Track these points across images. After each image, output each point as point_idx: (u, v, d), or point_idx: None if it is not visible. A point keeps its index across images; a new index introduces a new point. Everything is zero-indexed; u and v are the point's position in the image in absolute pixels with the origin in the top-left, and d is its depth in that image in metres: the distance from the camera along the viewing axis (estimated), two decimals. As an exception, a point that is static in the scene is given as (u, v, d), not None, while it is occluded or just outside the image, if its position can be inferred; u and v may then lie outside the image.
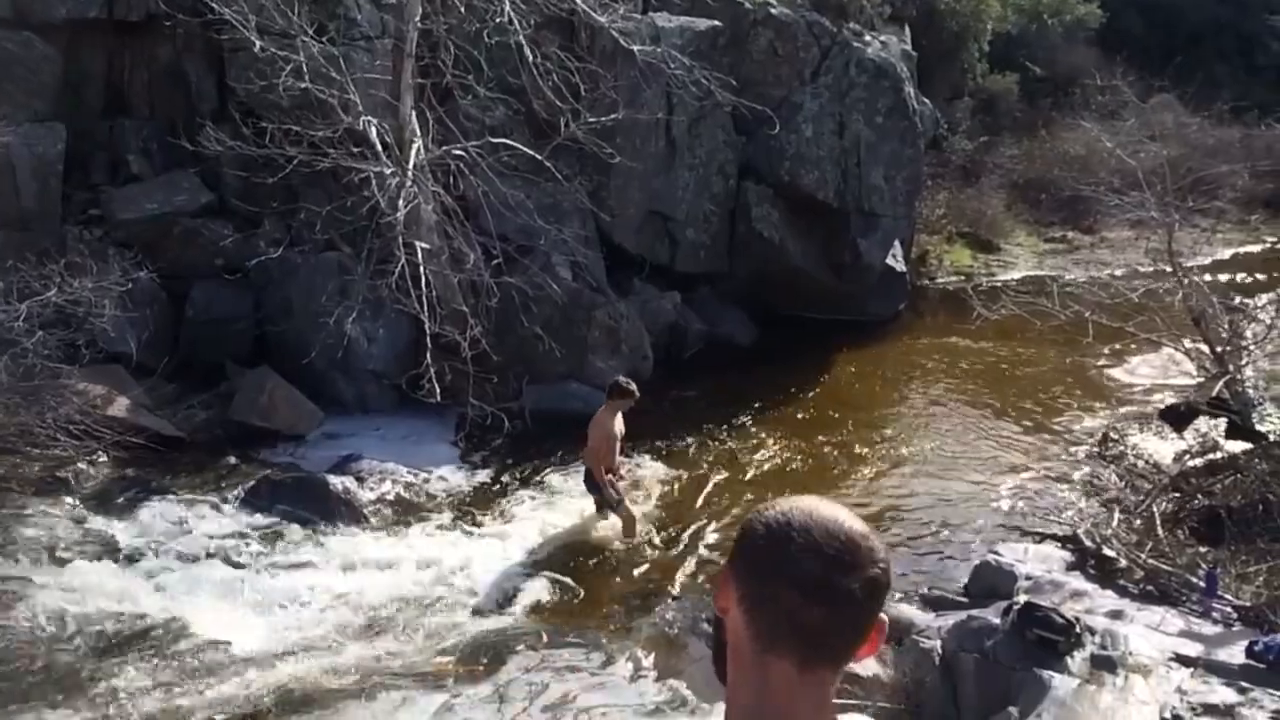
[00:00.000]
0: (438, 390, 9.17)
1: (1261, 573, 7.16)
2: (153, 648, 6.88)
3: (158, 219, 11.28)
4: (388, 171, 9.83)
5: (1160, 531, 7.85)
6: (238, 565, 8.01)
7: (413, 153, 10.07)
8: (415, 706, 6.36)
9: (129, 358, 9.98)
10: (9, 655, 6.70)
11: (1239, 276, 16.42)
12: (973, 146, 20.26)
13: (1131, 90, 14.26)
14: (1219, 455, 9.31)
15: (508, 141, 10.69)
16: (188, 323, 10.98)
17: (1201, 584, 6.90)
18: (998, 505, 9.45)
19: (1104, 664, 5.75)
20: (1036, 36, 22.80)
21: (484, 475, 9.83)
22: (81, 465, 9.07)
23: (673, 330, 13.06)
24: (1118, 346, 12.51)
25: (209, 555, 8.11)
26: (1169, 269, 10.50)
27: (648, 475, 9.77)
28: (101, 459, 9.23)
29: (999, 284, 15.49)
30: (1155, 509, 8.25)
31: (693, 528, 8.88)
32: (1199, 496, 8.38)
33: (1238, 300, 11.42)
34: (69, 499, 8.72)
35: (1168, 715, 5.46)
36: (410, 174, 9.89)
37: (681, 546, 8.62)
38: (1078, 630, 5.85)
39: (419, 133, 10.28)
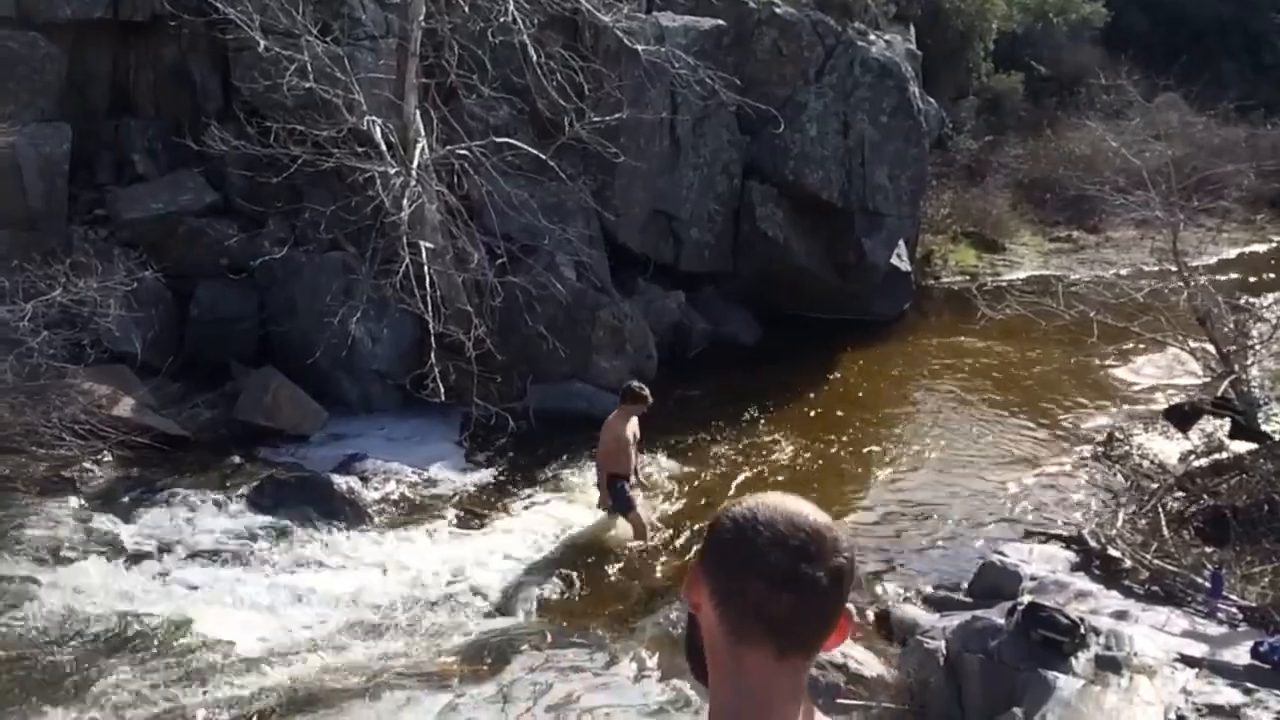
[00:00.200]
0: (442, 390, 9.18)
1: (1267, 573, 7.15)
2: (157, 647, 6.89)
3: (163, 219, 11.29)
4: (392, 171, 9.84)
5: (1165, 532, 7.84)
6: (242, 565, 8.02)
7: (417, 152, 10.07)
8: (420, 706, 6.36)
9: (134, 357, 9.99)
10: (13, 654, 6.71)
11: (1245, 276, 16.39)
12: (977, 146, 20.23)
13: (1136, 89, 14.26)
14: (1224, 455, 9.29)
15: (512, 141, 10.70)
16: (192, 322, 10.99)
17: (1207, 584, 6.89)
18: (1002, 505, 9.44)
19: (1109, 665, 5.75)
20: (1041, 35, 22.77)
21: (488, 475, 9.83)
22: (86, 465, 9.09)
23: (677, 330, 13.05)
24: (1123, 346, 12.50)
25: (213, 555, 8.11)
26: (1174, 268, 10.48)
27: (654, 473, 9.76)
28: (106, 458, 9.25)
29: (1004, 284, 15.45)
30: (1160, 509, 8.23)
31: (696, 527, 8.87)
32: (1204, 497, 8.37)
33: (1243, 300, 11.42)
34: (74, 498, 8.73)
35: (1172, 716, 5.46)
36: (414, 174, 9.90)
37: (686, 546, 8.62)
38: (1082, 631, 5.85)
39: (423, 132, 10.28)
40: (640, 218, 13.31)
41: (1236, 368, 9.62)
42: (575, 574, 8.18)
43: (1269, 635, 6.19)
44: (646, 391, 8.57)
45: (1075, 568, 7.62)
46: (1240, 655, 6.01)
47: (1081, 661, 5.75)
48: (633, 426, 8.59)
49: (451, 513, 9.11)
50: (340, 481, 9.05)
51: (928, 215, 17.09)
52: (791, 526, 1.45)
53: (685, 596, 1.54)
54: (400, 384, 10.47)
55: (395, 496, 9.31)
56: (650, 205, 13.37)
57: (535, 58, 10.38)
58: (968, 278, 16.66)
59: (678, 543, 8.68)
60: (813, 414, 11.64)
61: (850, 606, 1.49)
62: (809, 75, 14.28)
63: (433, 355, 9.23)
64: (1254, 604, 6.71)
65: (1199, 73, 19.80)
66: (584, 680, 6.67)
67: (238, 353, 10.87)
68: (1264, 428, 9.58)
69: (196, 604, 7.43)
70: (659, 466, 9.95)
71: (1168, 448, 10.01)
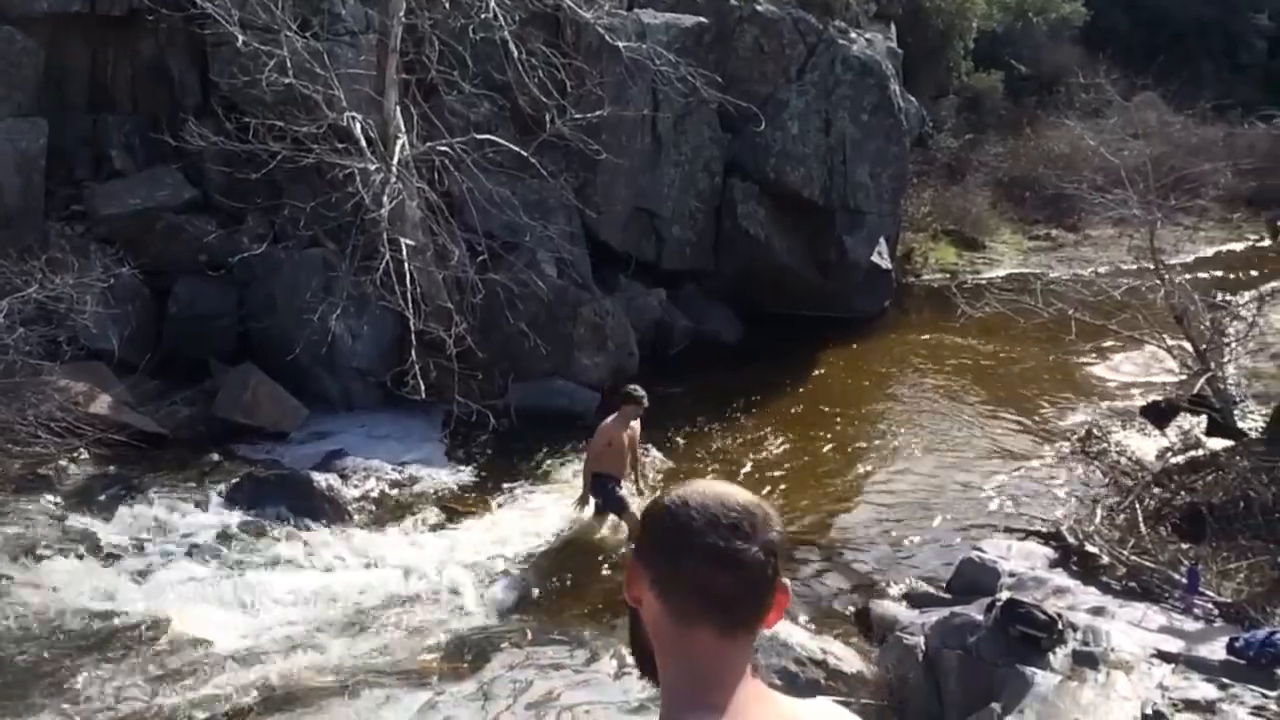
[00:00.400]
0: (422, 387, 9.15)
1: (1242, 569, 7.20)
2: (134, 646, 6.84)
3: (140, 214, 11.21)
4: (372, 167, 9.80)
5: (1143, 528, 7.88)
6: (221, 563, 7.97)
7: (397, 148, 10.03)
8: (399, 704, 6.34)
9: (111, 354, 9.92)
10: (-11, 654, 6.66)
11: (1222, 274, 16.51)
12: (958, 144, 20.32)
13: (1115, 88, 14.34)
14: (1201, 452, 9.35)
15: (493, 138, 10.68)
16: (170, 319, 10.92)
17: (1183, 580, 6.93)
18: (981, 502, 9.48)
19: (1086, 660, 5.78)
20: (1021, 35, 22.89)
21: (469, 472, 9.81)
22: (63, 463, 9.02)
23: (659, 327, 13.06)
24: (1101, 344, 12.57)
25: (191, 553, 8.06)
26: (1152, 267, 10.54)
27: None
28: (83, 456, 9.18)
29: (984, 281, 15.51)
30: (1137, 506, 8.28)
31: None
32: (1181, 493, 8.41)
33: (1220, 298, 11.47)
34: (50, 496, 8.66)
35: (1149, 711, 5.49)
36: (395, 170, 9.86)
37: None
38: (1060, 627, 5.88)
39: (403, 128, 10.25)
40: (622, 215, 13.31)
41: (1213, 365, 9.69)
42: (556, 571, 8.17)
43: (1244, 631, 6.23)
44: (641, 393, 8.49)
45: (1053, 564, 7.65)
46: (1216, 650, 6.05)
47: (1059, 657, 5.78)
48: (631, 430, 8.53)
49: (432, 510, 9.08)
50: (320, 479, 9.00)
51: (908, 213, 17.16)
52: (723, 507, 1.51)
53: (626, 594, 1.59)
54: (381, 381, 10.43)
55: (375, 494, 9.27)
56: (632, 202, 13.37)
57: (516, 54, 10.36)
58: (948, 275, 16.74)
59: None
60: (794, 411, 11.67)
61: (785, 581, 1.54)
62: (790, 73, 14.31)
63: (413, 352, 9.20)
64: (1230, 600, 6.76)
65: (1177, 72, 19.96)
66: (564, 677, 6.67)
67: (216, 349, 10.81)
68: (1240, 425, 9.65)
69: (174, 602, 7.38)
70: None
71: (1145, 445, 10.07)
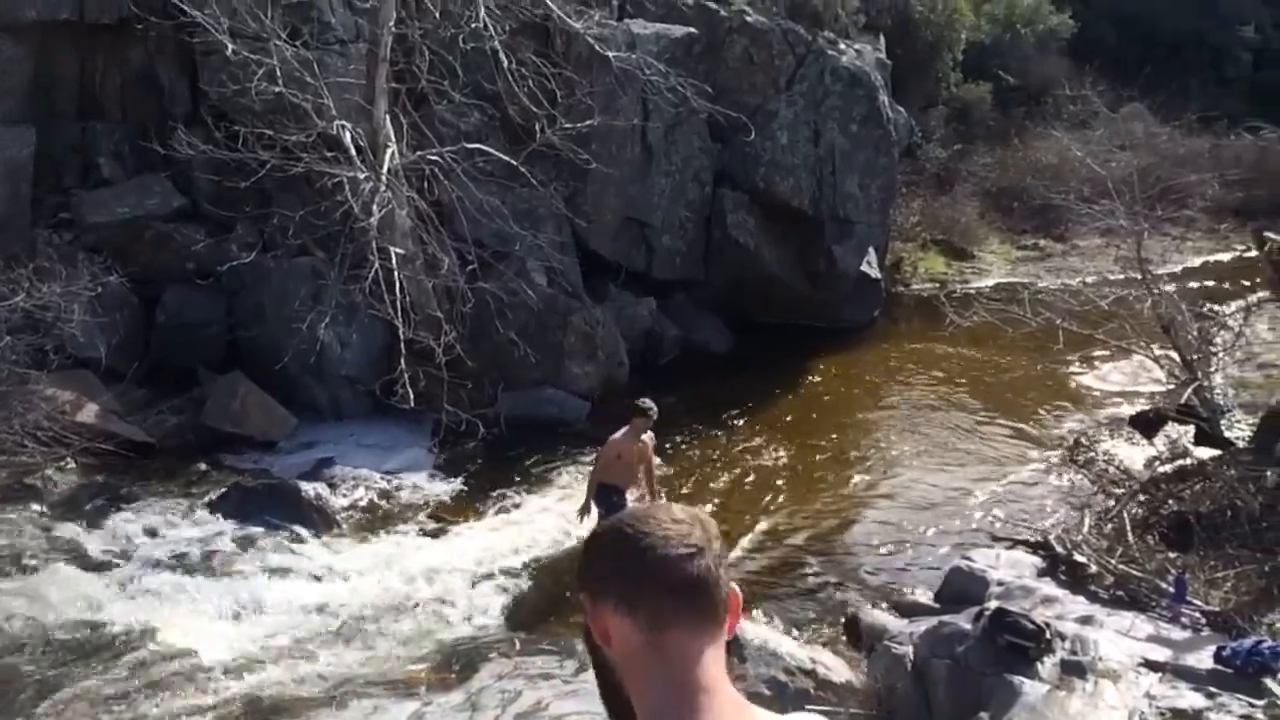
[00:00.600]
0: (412, 396, 9.12)
1: (1229, 578, 7.23)
2: (120, 656, 6.81)
3: (129, 223, 11.18)
4: (361, 176, 9.79)
5: (1130, 537, 7.90)
6: (208, 573, 7.93)
7: (387, 158, 10.03)
8: (386, 715, 6.31)
9: (98, 363, 9.88)
10: (-26, 664, 6.62)
11: (1208, 284, 16.58)
12: (946, 155, 20.39)
13: (1102, 100, 14.43)
14: (1188, 462, 9.38)
15: (483, 147, 10.68)
16: (159, 328, 10.88)
17: (1171, 589, 6.95)
18: (969, 511, 9.49)
19: (1074, 669, 5.79)
20: (1010, 46, 22.98)
21: (458, 482, 9.79)
22: (50, 472, 8.97)
23: (649, 337, 13.06)
24: (1089, 354, 12.60)
25: (178, 563, 8.03)
26: (1139, 276, 10.59)
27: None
28: (70, 465, 9.13)
29: (972, 291, 15.55)
30: (1125, 515, 8.30)
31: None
32: (1169, 502, 8.44)
33: (1207, 308, 11.52)
34: (37, 506, 8.62)
35: (1136, 720, 5.50)
36: (384, 179, 9.85)
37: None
38: (1048, 636, 5.88)
39: (393, 138, 10.24)
40: (612, 224, 13.32)
41: (1200, 375, 9.73)
42: (545, 581, 8.15)
43: (1232, 640, 6.25)
44: (651, 405, 8.26)
45: (1042, 573, 7.66)
46: (1204, 659, 6.07)
47: (1047, 666, 5.79)
48: (642, 444, 8.34)
49: (421, 519, 9.06)
50: (308, 488, 8.98)
51: (897, 223, 17.20)
52: (667, 518, 1.56)
53: (588, 637, 1.61)
54: (370, 390, 10.41)
55: (364, 503, 9.25)
56: (622, 212, 13.38)
57: (506, 64, 10.37)
58: (937, 285, 16.78)
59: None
60: (783, 421, 11.67)
61: (734, 585, 1.58)
62: (780, 84, 14.35)
63: (403, 361, 9.19)
64: (1217, 608, 6.78)
65: (1164, 84, 20.04)
66: (553, 688, 6.64)
67: (205, 358, 10.78)
68: (1227, 434, 9.69)
69: (161, 612, 7.35)
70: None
71: (1133, 454, 10.10)
